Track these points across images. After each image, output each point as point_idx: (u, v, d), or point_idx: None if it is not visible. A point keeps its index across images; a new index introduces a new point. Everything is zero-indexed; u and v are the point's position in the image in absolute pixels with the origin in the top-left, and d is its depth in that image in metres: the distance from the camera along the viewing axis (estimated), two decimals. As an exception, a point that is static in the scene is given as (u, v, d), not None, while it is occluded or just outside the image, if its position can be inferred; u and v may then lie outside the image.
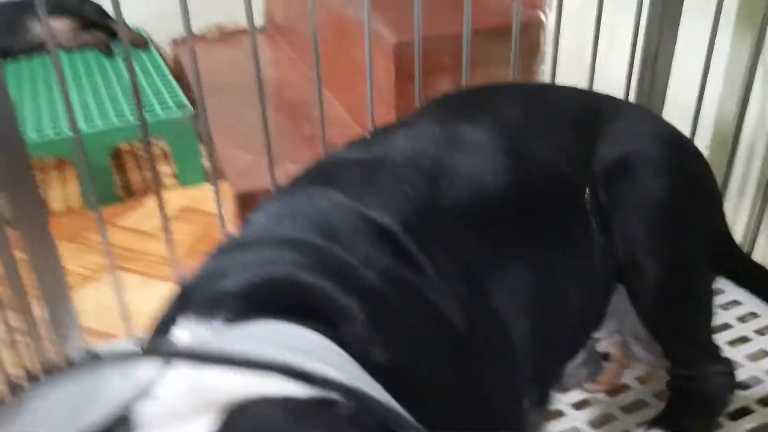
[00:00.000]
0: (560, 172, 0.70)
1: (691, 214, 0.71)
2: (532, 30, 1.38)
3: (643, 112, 0.82)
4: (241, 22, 2.20)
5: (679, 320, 0.71)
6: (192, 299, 0.48)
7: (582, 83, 0.97)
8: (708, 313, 0.75)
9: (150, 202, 1.46)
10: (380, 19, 1.43)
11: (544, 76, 1.38)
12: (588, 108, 0.75)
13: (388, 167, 0.63)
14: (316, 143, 0.95)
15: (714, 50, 0.92)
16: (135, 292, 0.94)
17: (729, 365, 0.72)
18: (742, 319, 0.83)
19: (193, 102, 1.51)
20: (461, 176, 0.64)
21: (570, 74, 0.99)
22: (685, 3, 0.97)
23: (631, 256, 0.69)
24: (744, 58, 0.94)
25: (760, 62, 0.90)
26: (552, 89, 0.85)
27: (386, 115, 1.37)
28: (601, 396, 0.74)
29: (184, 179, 1.55)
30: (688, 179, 0.73)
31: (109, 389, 0.37)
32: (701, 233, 0.73)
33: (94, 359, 0.34)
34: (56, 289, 0.93)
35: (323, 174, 0.65)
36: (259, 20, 2.21)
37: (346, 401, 0.39)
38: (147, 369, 0.39)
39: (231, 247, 0.54)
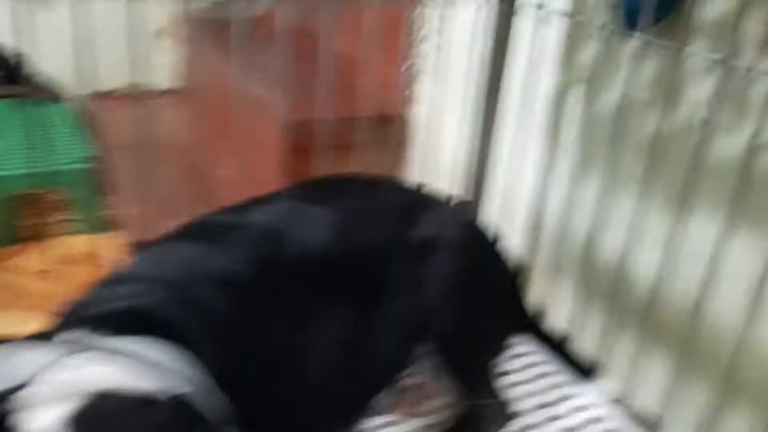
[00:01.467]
0: (378, 248, 0.90)
1: (479, 283, 0.93)
2: (400, 122, 1.62)
3: (449, 208, 1.03)
4: (154, 83, 2.36)
5: (463, 368, 0.91)
6: (81, 315, 0.64)
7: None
8: (490, 361, 0.96)
9: (45, 246, 1.57)
10: (274, 98, 1.63)
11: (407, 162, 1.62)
12: (410, 201, 0.98)
13: (244, 231, 0.82)
14: (210, 201, 1.11)
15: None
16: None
17: (503, 402, 0.93)
18: (527, 366, 1.05)
19: (99, 156, 1.65)
20: (298, 243, 0.84)
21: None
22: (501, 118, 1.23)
23: (425, 317, 0.89)
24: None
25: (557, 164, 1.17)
26: (387, 185, 1.06)
27: (276, 183, 1.56)
28: (401, 419, 0.92)
29: (84, 227, 1.67)
30: (478, 256, 0.95)
31: (7, 371, 0.52)
32: (488, 299, 0.95)
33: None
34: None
35: (194, 231, 0.83)
36: (172, 81, 2.38)
37: (169, 399, 0.56)
38: (38, 361, 0.55)
39: (113, 281, 0.72)
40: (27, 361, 0.54)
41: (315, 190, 0.98)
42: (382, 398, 0.92)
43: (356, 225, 0.90)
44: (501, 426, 0.91)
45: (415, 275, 0.90)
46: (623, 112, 1.04)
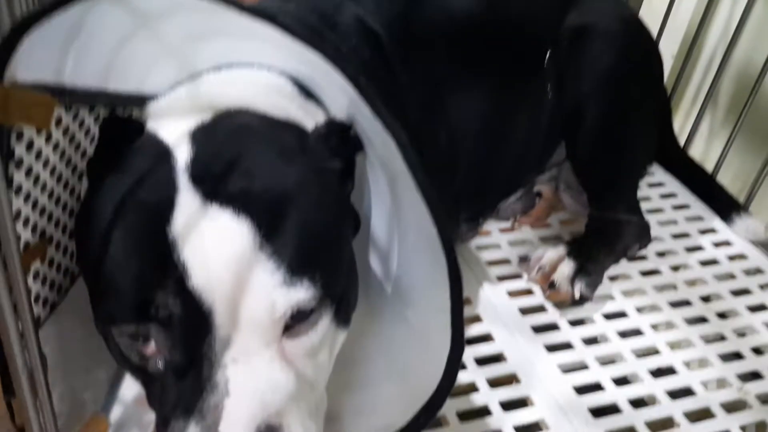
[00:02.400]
0: (530, 27, 0.79)
1: (633, 84, 0.82)
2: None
3: None
4: None
5: (607, 171, 0.82)
6: None
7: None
8: (635, 172, 0.87)
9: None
10: None
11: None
12: None
13: None
14: None
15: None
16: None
17: (644, 221, 0.84)
18: (663, 196, 0.95)
19: None
20: (444, 4, 0.73)
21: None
22: None
23: (576, 110, 0.79)
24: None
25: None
26: None
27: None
28: (525, 228, 0.86)
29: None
30: (637, 55, 0.83)
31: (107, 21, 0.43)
32: (640, 102, 0.84)
33: None
34: None
35: None
36: None
37: (318, 131, 0.49)
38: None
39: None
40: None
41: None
42: (512, 201, 0.85)
43: None
44: (639, 245, 0.83)
45: (566, 66, 0.79)
46: None
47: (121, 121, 0.49)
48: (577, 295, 0.74)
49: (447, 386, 0.45)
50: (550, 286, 0.75)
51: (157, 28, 0.46)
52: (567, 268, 0.75)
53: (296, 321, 0.43)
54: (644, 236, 0.84)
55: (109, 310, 0.42)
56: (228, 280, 0.40)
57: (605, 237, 0.81)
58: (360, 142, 0.51)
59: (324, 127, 0.50)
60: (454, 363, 0.45)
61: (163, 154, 0.45)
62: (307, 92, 0.54)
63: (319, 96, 0.55)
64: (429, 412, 0.46)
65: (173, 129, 0.47)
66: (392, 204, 0.52)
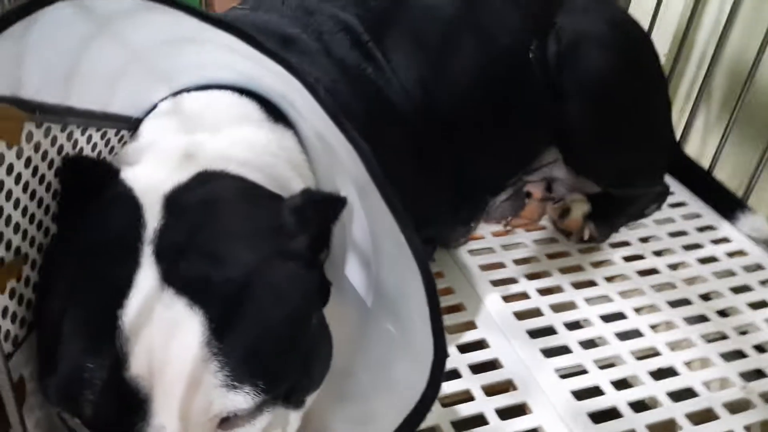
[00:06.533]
0: (512, 27, 0.77)
1: (630, 86, 0.80)
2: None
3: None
4: None
5: (619, 171, 0.83)
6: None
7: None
8: (651, 161, 0.88)
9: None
10: None
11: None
12: None
13: None
14: None
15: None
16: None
17: (665, 188, 0.90)
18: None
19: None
20: (423, 2, 0.73)
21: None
22: None
23: (572, 115, 0.78)
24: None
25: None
26: None
27: None
28: (518, 230, 0.85)
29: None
30: (631, 57, 0.82)
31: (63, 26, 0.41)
32: (638, 100, 0.83)
33: None
34: None
35: None
36: None
37: (292, 202, 0.47)
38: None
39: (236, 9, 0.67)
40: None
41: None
42: (502, 202, 0.84)
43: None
44: (657, 206, 0.90)
45: (557, 70, 0.77)
46: None
47: (91, 163, 0.48)
48: (586, 236, 0.81)
49: (432, 395, 0.43)
50: (562, 214, 0.83)
51: (120, 32, 0.44)
52: (585, 206, 0.83)
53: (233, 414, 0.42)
54: (661, 198, 0.89)
55: (43, 379, 0.42)
56: (169, 374, 0.39)
57: (621, 202, 0.86)
58: (338, 208, 0.49)
59: (298, 198, 0.47)
60: (438, 370, 0.43)
61: (134, 217, 0.43)
62: (276, 111, 0.54)
63: (288, 111, 0.54)
64: (413, 420, 0.44)
65: (149, 186, 0.45)
66: (365, 212, 0.51)
